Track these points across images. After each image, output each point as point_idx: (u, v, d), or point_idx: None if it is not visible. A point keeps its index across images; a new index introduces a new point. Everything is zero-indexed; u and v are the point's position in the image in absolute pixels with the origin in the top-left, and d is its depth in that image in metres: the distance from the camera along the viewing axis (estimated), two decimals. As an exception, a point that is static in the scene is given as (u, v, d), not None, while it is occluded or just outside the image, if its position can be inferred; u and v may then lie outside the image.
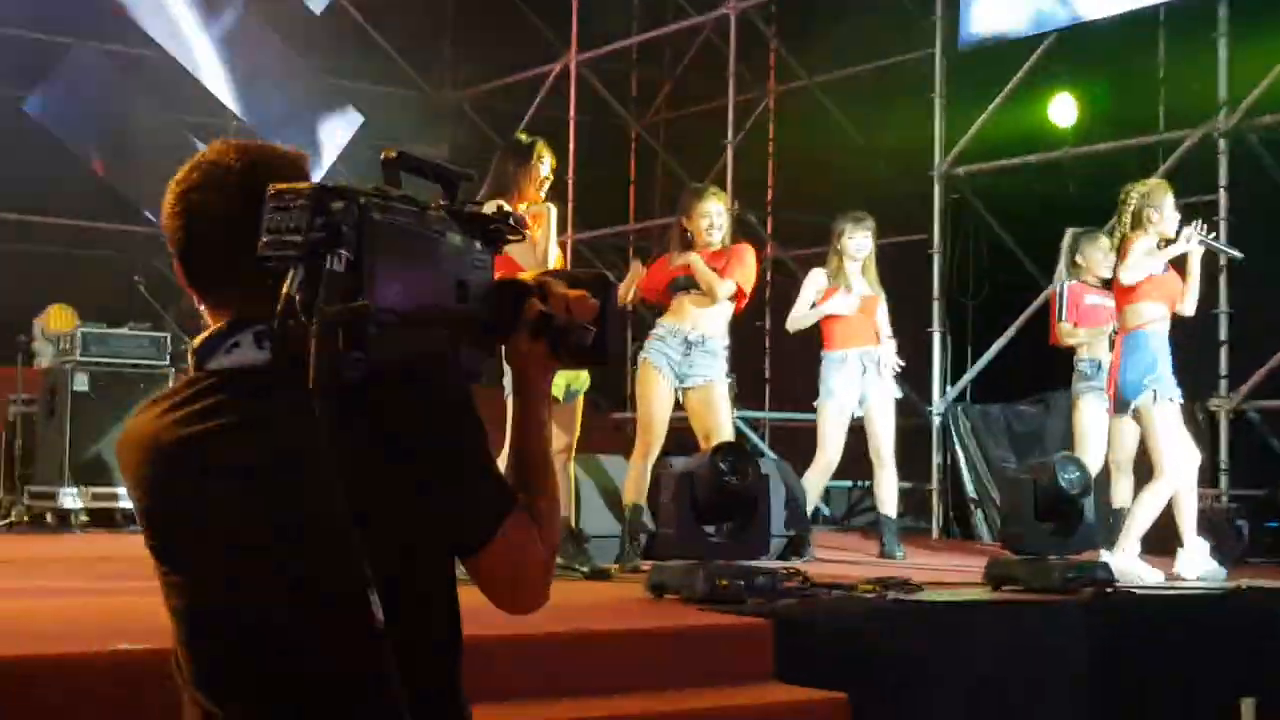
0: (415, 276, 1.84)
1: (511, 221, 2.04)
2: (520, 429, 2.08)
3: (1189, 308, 7.59)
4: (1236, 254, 8.07)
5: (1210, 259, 8.40)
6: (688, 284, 7.73)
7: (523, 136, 7.80)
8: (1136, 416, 7.40)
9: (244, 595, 1.97)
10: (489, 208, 2.10)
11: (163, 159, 12.14)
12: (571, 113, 13.78)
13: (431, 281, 1.88)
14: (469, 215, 1.99)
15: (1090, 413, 8.18)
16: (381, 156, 2.01)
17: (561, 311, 2.01)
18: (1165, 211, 7.49)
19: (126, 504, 9.49)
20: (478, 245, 1.98)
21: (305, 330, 1.72)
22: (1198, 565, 7.38)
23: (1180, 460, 7.34)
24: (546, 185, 7.34)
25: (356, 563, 1.76)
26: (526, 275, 2.07)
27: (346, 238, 1.74)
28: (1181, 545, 7.44)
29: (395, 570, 1.90)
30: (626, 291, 7.72)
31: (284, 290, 1.73)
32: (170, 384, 9.63)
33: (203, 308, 2.07)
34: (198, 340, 2.04)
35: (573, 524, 6.90)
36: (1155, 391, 7.32)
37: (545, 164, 7.32)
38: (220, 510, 1.97)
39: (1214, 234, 7.83)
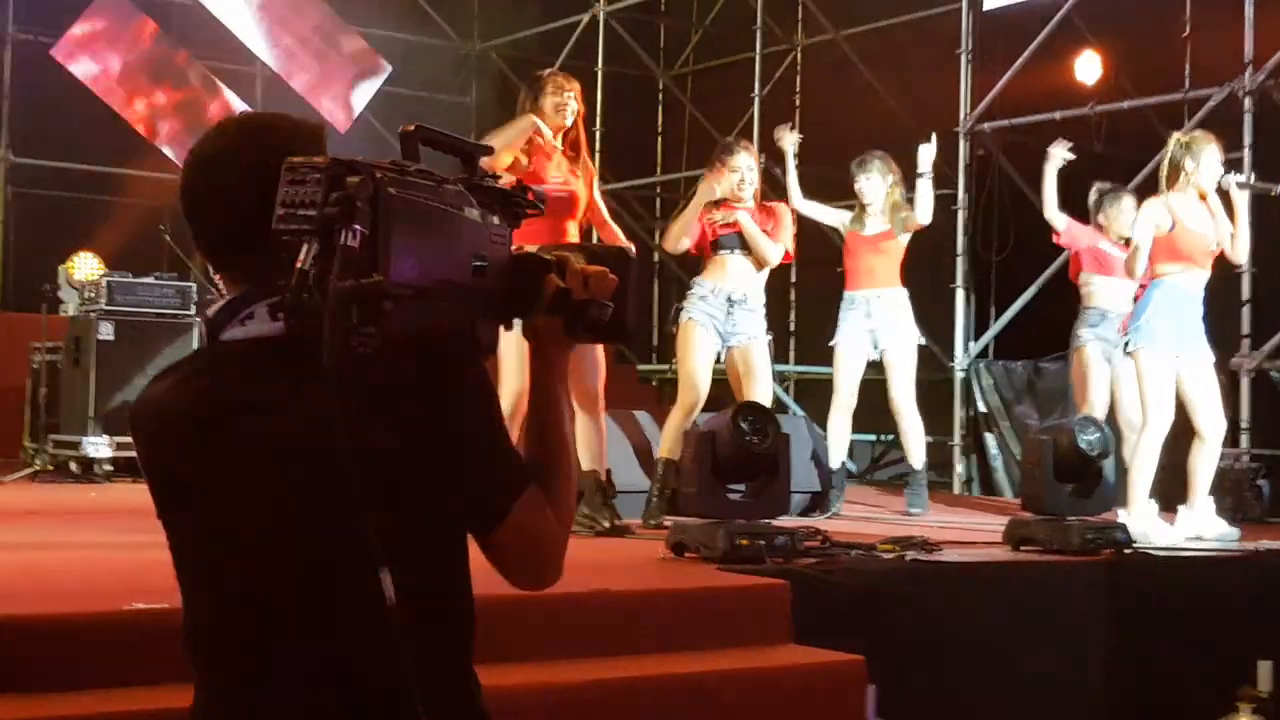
0: (432, 251, 1.85)
1: (530, 196, 2.05)
2: (537, 405, 2.08)
3: (1240, 254, 7.62)
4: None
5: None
6: (734, 243, 7.73)
7: (542, 72, 7.66)
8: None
9: (258, 572, 1.97)
10: (505, 181, 2.08)
11: (188, 105, 12.14)
12: (599, 63, 13.76)
13: (448, 256, 1.88)
14: (487, 189, 1.99)
15: (1087, 359, 8.27)
16: (400, 131, 2.02)
17: (579, 288, 2.01)
18: (1202, 162, 7.45)
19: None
20: (495, 220, 1.97)
21: (319, 304, 1.74)
22: (1197, 525, 7.38)
23: (1157, 413, 7.34)
24: (567, 115, 7.20)
25: (366, 540, 1.77)
26: (545, 250, 2.07)
27: (360, 212, 1.75)
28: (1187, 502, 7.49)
29: (410, 547, 1.92)
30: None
31: (297, 264, 1.75)
32: (194, 333, 9.75)
33: (218, 277, 2.08)
34: (211, 310, 2.05)
35: (601, 476, 6.91)
36: (1129, 341, 7.37)
37: (554, 96, 7.21)
38: (234, 485, 1.98)
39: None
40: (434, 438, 1.92)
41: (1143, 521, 7.18)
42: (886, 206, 8.80)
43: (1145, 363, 7.35)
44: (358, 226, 1.74)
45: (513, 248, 2.03)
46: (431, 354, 1.92)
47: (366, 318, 1.75)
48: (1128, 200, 8.44)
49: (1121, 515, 7.09)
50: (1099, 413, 7.88)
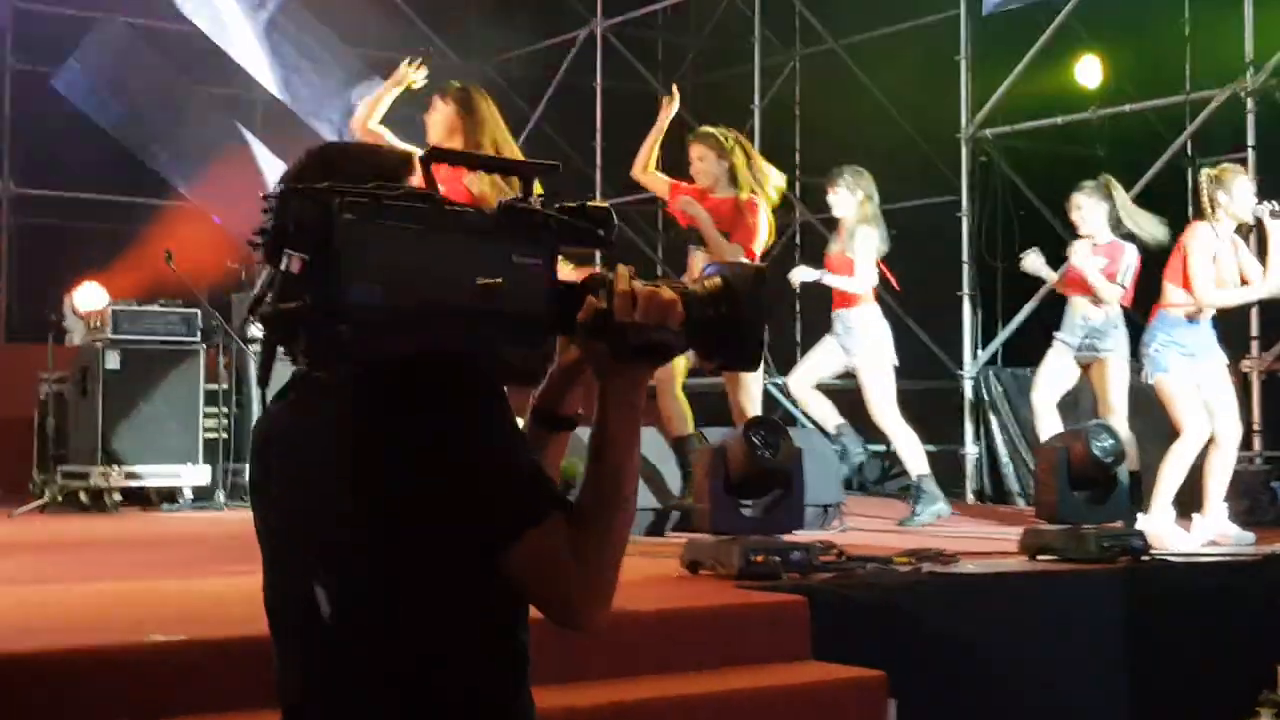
0: (409, 275, 1.82)
1: (582, 220, 1.95)
2: (592, 436, 1.99)
3: (1275, 285, 7.58)
4: None
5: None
6: (696, 239, 7.74)
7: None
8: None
9: (283, 590, 2.04)
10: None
11: (191, 131, 12.16)
12: (598, 79, 13.76)
13: (434, 280, 1.84)
14: (517, 210, 1.92)
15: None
16: (419, 155, 2.00)
17: (624, 310, 1.91)
18: (1235, 193, 7.49)
19: (159, 482, 9.55)
20: (528, 239, 1.91)
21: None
22: (1213, 531, 7.38)
23: (1191, 423, 7.42)
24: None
25: (325, 558, 1.85)
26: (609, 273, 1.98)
27: (297, 238, 1.77)
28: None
29: (416, 574, 1.91)
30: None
31: (255, 291, 1.80)
32: (200, 360, 9.75)
33: None
34: None
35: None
36: (1145, 373, 7.63)
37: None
38: (271, 506, 2.07)
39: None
40: (434, 465, 1.89)
41: (1161, 527, 7.17)
42: (854, 223, 8.74)
43: (1166, 388, 7.42)
44: (295, 252, 1.76)
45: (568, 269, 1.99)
46: (421, 378, 1.89)
47: (315, 341, 1.79)
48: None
49: (1140, 521, 7.07)
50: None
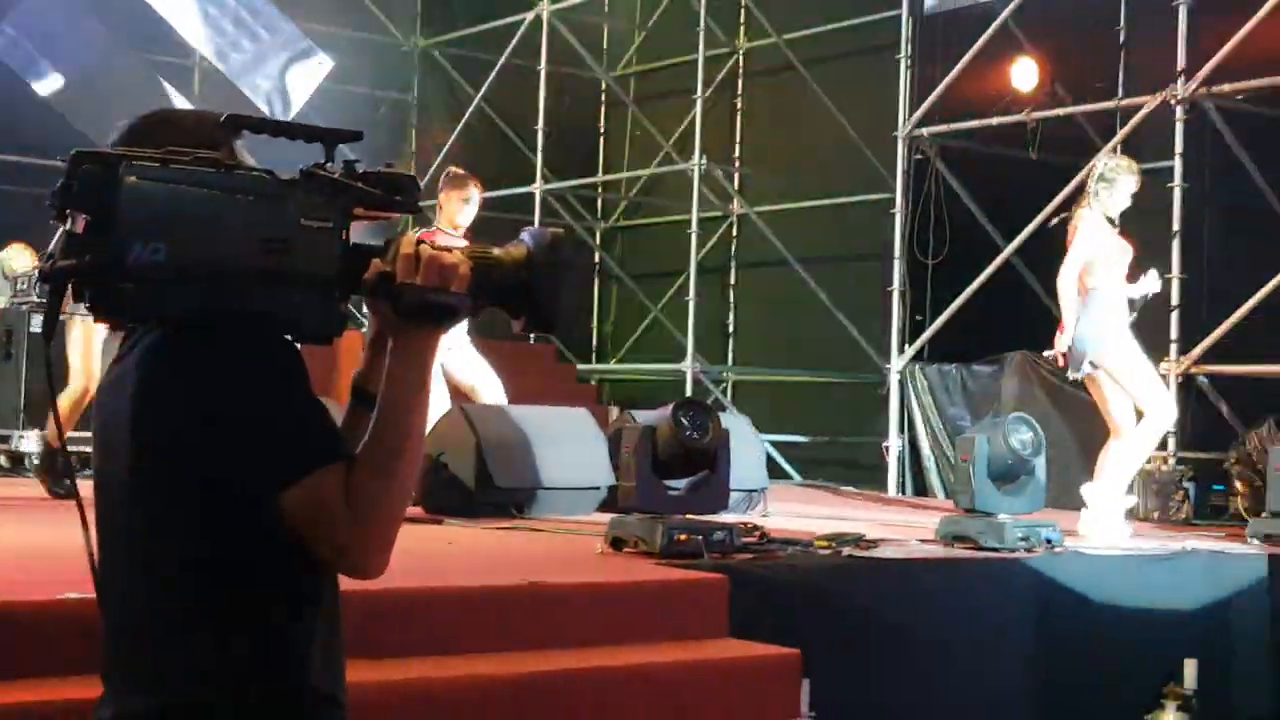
0: (194, 235, 1.92)
1: (373, 183, 2.04)
2: (383, 389, 2.06)
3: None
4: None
5: (1158, 223, 8.67)
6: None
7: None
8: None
9: (99, 546, 2.10)
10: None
11: (127, 97, 12.10)
12: (543, 63, 13.78)
13: (221, 239, 1.93)
14: (311, 175, 2.01)
15: None
16: (222, 119, 2.08)
17: (406, 272, 2.00)
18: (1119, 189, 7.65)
19: (83, 448, 9.48)
20: (319, 203, 1.99)
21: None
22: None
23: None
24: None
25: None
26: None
27: (80, 199, 1.88)
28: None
29: (192, 523, 2.00)
30: None
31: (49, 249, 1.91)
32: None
33: None
34: None
35: None
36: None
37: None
38: (95, 453, 2.17)
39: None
40: (216, 413, 1.97)
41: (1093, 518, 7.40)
42: None
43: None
44: (79, 213, 1.88)
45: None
46: (208, 331, 1.98)
47: (98, 298, 1.90)
48: None
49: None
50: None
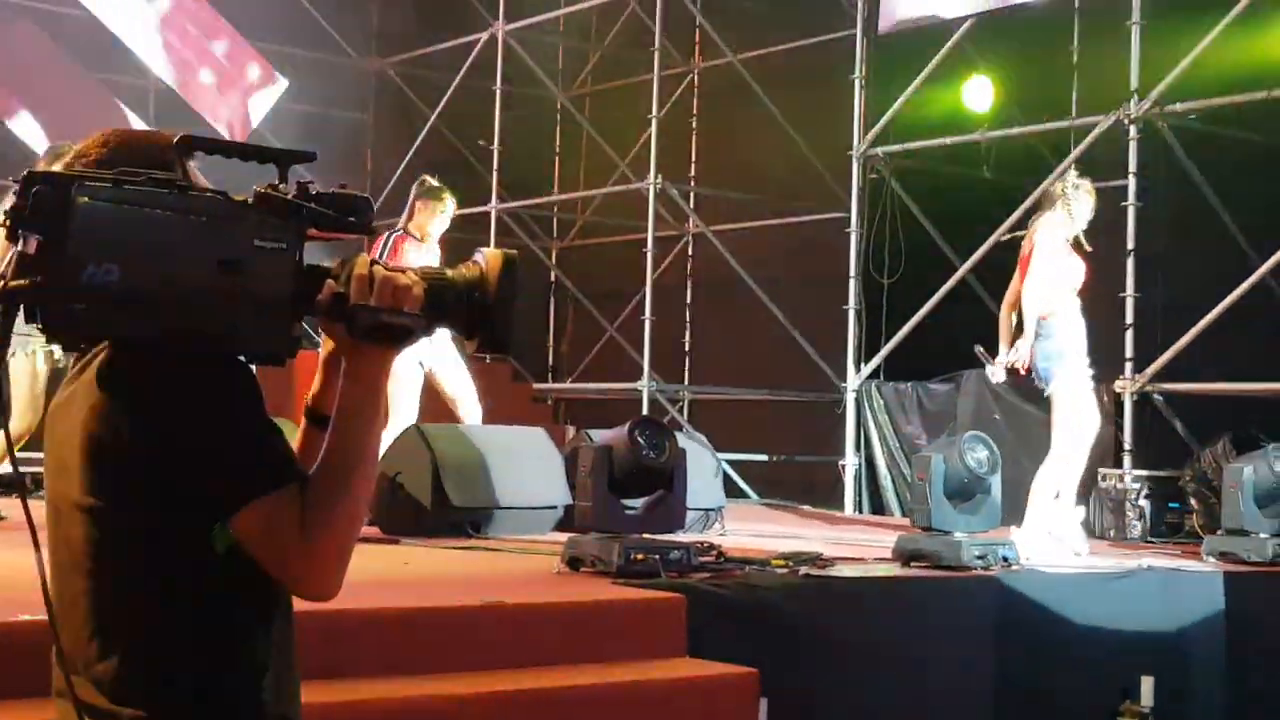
0: (147, 256, 1.92)
1: (326, 204, 2.03)
2: (336, 410, 2.06)
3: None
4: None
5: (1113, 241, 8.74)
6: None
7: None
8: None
9: (52, 568, 2.07)
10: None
11: (81, 117, 12.00)
12: (498, 82, 13.77)
13: (175, 260, 1.93)
14: (265, 196, 2.01)
15: None
16: (175, 140, 2.08)
17: (360, 293, 2.00)
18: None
19: (36, 469, 9.38)
20: (274, 224, 1.99)
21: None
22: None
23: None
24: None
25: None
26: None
27: (32, 220, 1.88)
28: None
29: (153, 542, 1.98)
30: None
31: None
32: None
33: None
34: None
35: None
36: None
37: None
38: (46, 474, 2.14)
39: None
40: (168, 434, 1.97)
41: (1028, 537, 7.36)
42: None
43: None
44: (31, 233, 1.87)
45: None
46: (162, 354, 1.97)
47: (50, 319, 1.90)
48: None
49: (1013, 532, 7.23)
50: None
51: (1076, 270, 7.69)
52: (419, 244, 8.41)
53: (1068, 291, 7.64)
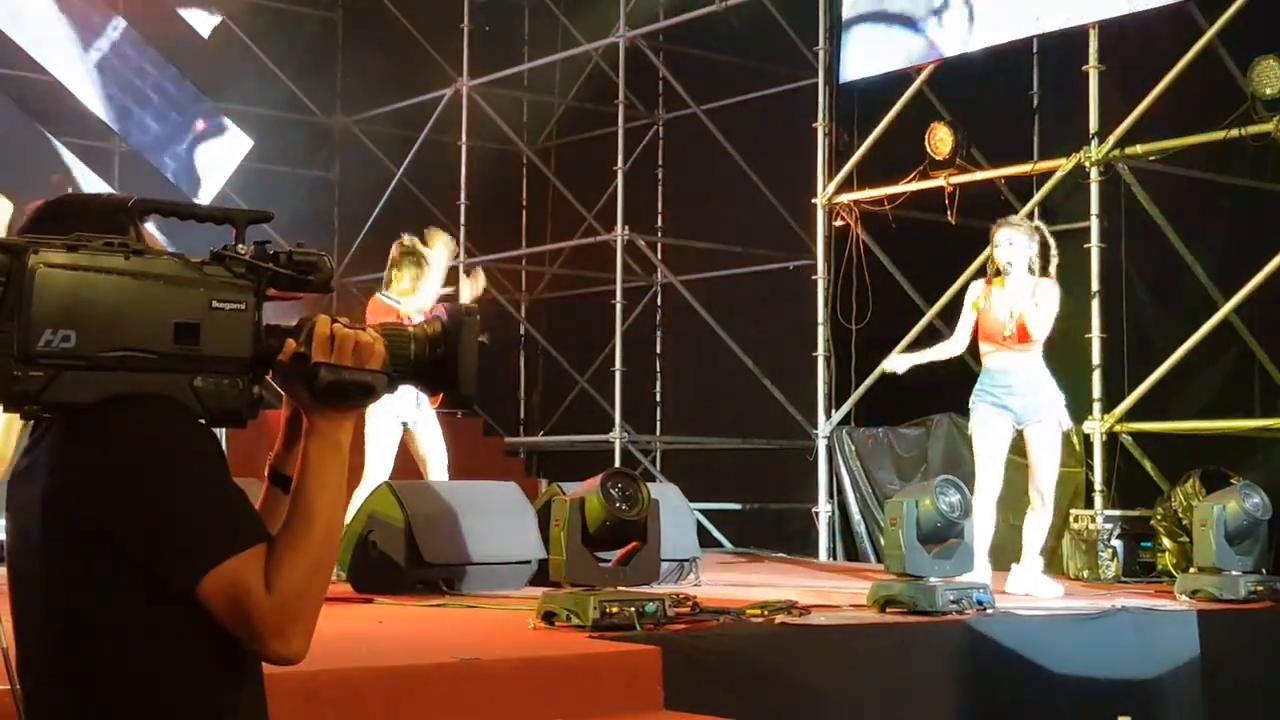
0: (103, 321, 1.92)
1: (286, 263, 2.05)
2: (298, 469, 2.06)
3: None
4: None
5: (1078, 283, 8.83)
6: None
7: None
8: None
9: (16, 638, 2.07)
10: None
11: (44, 181, 11.99)
12: (463, 137, 13.83)
13: (132, 324, 1.94)
14: (221, 258, 2.01)
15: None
16: (129, 203, 2.08)
17: (322, 352, 2.01)
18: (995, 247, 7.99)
19: None
20: (231, 285, 1.99)
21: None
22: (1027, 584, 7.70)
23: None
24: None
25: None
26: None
27: None
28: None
29: (108, 612, 1.96)
30: None
31: None
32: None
33: None
34: None
35: None
36: None
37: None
38: (7, 537, 2.11)
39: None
40: (128, 500, 1.94)
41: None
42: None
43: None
44: None
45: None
46: (114, 418, 1.95)
47: (5, 387, 1.89)
48: None
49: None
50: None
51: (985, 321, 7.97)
52: (396, 304, 8.44)
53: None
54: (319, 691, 4.31)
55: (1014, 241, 7.94)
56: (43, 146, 12.76)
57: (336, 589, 7.18)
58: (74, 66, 12.56)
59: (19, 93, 12.78)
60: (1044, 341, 7.88)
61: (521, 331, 15.44)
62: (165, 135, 13.12)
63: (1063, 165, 10.02)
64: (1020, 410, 7.80)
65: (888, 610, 6.54)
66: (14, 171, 12.29)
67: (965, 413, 8.21)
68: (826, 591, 7.79)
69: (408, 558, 7.45)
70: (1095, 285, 9.70)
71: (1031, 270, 7.89)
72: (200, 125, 13.22)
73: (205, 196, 12.99)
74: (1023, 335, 7.76)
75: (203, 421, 2.01)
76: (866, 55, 11.19)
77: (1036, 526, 7.83)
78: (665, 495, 7.76)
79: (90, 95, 12.66)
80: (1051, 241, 8.03)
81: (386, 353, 2.05)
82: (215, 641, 1.98)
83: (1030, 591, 7.59)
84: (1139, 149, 9.69)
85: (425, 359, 2.11)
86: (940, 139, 10.71)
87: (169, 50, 13.11)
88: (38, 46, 12.39)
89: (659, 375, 14.31)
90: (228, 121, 13.48)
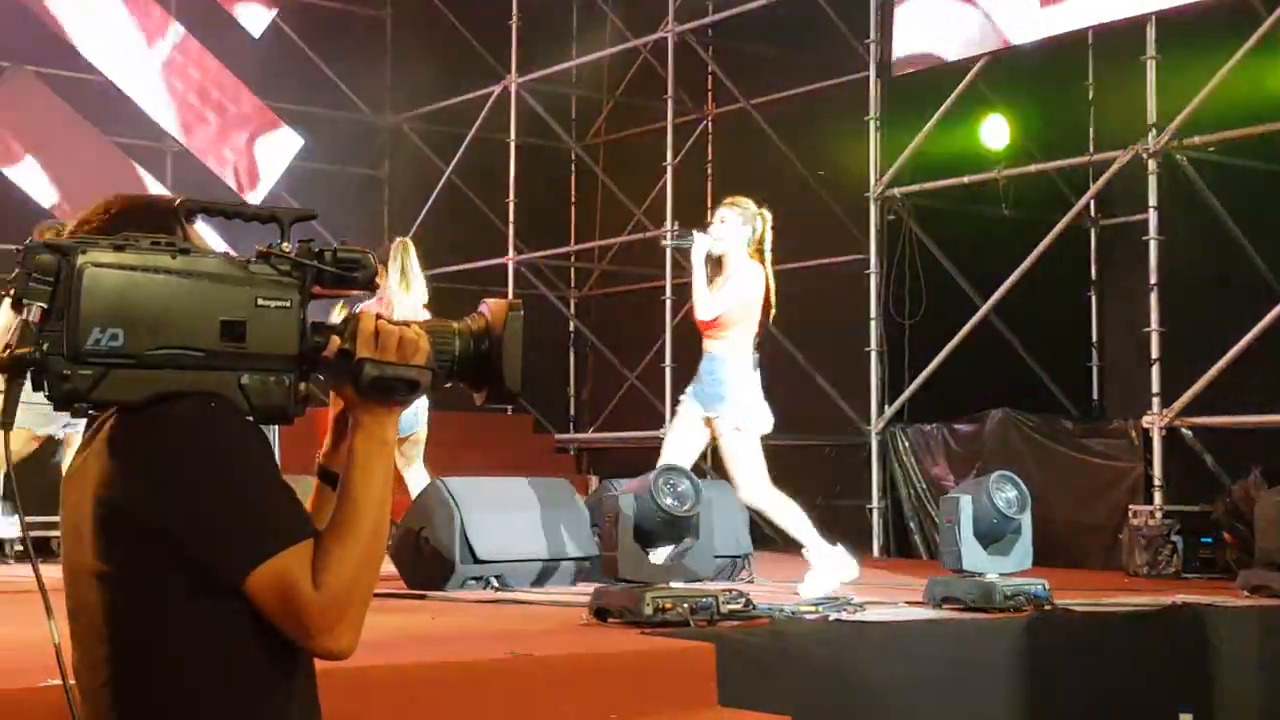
0: (151, 319, 1.93)
1: (330, 261, 2.04)
2: (345, 465, 2.06)
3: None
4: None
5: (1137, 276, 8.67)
6: None
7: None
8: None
9: (73, 636, 2.06)
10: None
11: (103, 182, 12.12)
12: (512, 134, 13.81)
13: (179, 323, 1.95)
14: (266, 256, 2.02)
15: None
16: (176, 203, 2.11)
17: (366, 348, 2.02)
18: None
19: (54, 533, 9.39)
20: (276, 283, 2.00)
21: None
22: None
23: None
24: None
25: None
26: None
27: (33, 290, 1.91)
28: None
29: (160, 609, 1.97)
30: None
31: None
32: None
33: None
34: None
35: None
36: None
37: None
38: (63, 541, 2.13)
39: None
40: (177, 497, 1.95)
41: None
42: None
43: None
44: (34, 302, 1.91)
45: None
46: (166, 417, 1.96)
47: (55, 386, 1.90)
48: None
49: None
50: None
51: None
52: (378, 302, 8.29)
53: None
54: (371, 686, 4.29)
55: (725, 220, 7.80)
56: (97, 145, 12.83)
57: (389, 585, 7.17)
58: (127, 66, 12.61)
59: (71, 93, 12.84)
60: (733, 331, 7.70)
61: (571, 328, 15.41)
62: (216, 135, 13.16)
63: (1120, 157, 9.90)
64: (696, 397, 7.75)
65: (944, 607, 6.47)
66: (72, 170, 12.41)
67: (1019, 405, 8.11)
68: (881, 588, 7.71)
69: (460, 554, 7.45)
70: (1154, 278, 9.58)
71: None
72: (252, 125, 13.26)
73: (257, 196, 13.02)
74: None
75: (250, 419, 2.02)
76: (907, 45, 11.04)
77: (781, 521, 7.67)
78: (717, 492, 7.71)
79: (143, 95, 12.71)
80: (763, 226, 7.83)
81: (431, 348, 2.05)
82: (267, 638, 1.98)
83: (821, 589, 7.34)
84: (1197, 139, 9.57)
85: (469, 354, 2.11)
86: (994, 130, 10.61)
87: (220, 50, 13.14)
88: (91, 46, 12.44)
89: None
90: (279, 121, 13.49)
